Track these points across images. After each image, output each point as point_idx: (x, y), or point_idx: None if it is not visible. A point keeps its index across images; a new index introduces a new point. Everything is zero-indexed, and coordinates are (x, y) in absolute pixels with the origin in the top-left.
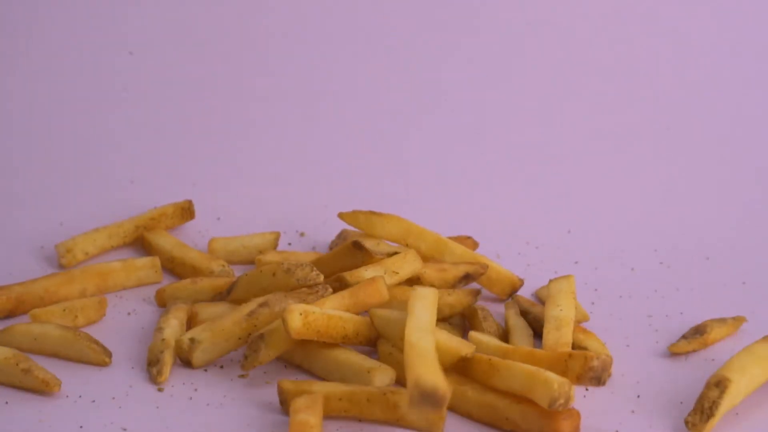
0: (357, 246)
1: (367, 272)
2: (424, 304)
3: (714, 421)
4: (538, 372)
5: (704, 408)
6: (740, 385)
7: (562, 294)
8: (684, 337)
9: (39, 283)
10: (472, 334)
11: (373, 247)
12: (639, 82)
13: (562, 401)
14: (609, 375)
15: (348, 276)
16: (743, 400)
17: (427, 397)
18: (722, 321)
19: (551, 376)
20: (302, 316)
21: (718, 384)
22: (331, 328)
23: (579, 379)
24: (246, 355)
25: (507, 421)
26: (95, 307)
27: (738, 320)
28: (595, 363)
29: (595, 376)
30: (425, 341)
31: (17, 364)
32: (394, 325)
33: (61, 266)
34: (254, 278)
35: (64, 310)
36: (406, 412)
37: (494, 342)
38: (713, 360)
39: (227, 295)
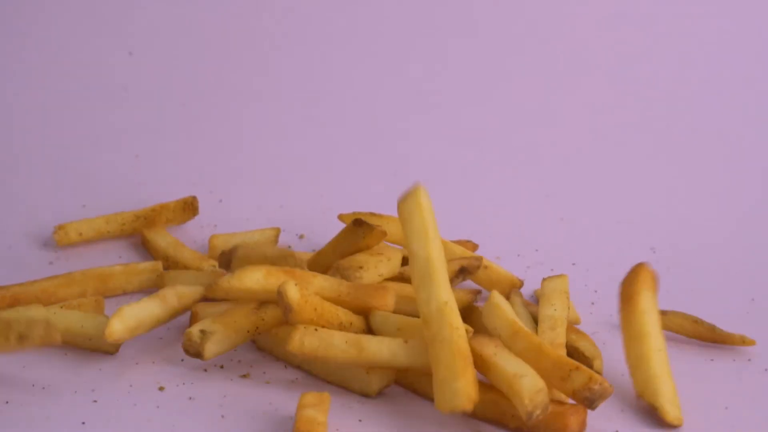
0: (357, 223)
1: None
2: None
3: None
4: (514, 379)
5: None
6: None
7: (555, 293)
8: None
9: (38, 284)
10: (495, 293)
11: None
12: (639, 82)
13: (538, 412)
14: (601, 403)
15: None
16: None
17: None
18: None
19: (524, 388)
20: (298, 287)
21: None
22: (326, 311)
23: (574, 393)
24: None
25: (513, 419)
26: (93, 307)
27: (745, 342)
28: (597, 387)
29: (591, 398)
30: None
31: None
32: (390, 325)
33: (55, 244)
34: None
35: (61, 307)
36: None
37: (510, 315)
38: (712, 360)
39: (228, 261)
